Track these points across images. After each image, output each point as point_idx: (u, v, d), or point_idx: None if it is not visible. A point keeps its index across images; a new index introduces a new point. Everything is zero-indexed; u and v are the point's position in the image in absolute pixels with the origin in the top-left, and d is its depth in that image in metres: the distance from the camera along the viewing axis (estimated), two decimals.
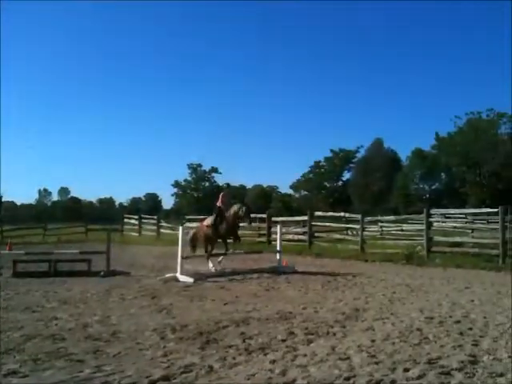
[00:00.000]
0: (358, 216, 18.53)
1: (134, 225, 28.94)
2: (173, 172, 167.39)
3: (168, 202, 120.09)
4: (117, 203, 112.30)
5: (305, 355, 4.80)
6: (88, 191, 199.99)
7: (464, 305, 7.72)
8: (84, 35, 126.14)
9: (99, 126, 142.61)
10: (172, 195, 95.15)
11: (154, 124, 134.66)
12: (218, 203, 12.46)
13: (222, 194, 12.93)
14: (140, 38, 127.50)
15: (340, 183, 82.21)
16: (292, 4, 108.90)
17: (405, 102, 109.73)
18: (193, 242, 12.82)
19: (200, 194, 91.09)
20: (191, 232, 13.03)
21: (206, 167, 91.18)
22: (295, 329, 5.91)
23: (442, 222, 19.11)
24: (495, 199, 43.27)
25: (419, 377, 4.18)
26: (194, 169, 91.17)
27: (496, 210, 14.42)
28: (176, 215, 56.16)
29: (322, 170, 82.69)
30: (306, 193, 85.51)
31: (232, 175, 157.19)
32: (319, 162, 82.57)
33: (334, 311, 7.10)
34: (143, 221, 28.69)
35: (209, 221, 12.48)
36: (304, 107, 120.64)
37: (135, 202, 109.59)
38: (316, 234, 19.45)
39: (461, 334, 5.76)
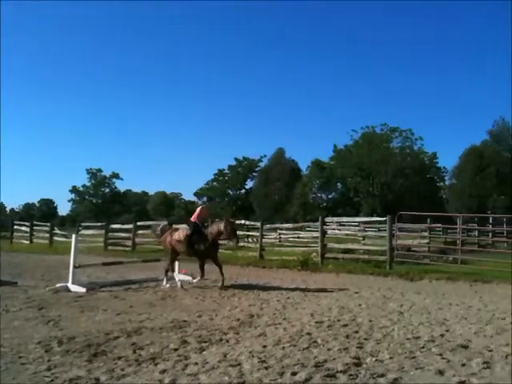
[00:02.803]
0: (258, 223, 18.90)
1: (25, 232, 27.34)
2: (70, 177, 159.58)
3: (64, 209, 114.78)
4: (8, 209, 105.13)
5: (196, 363, 4.79)
6: None
7: (352, 309, 8.11)
8: None
9: None
10: (69, 201, 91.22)
11: (51, 126, 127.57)
12: (193, 219, 11.16)
13: (199, 208, 11.66)
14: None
15: (243, 191, 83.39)
16: None
17: (306, 113, 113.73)
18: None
19: (99, 200, 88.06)
20: (161, 229, 11.93)
21: (107, 172, 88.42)
22: (189, 337, 5.88)
23: (338, 230, 20.02)
24: (386, 208, 46.14)
25: (306, 380, 4.32)
26: (94, 174, 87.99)
27: (385, 218, 15.36)
28: (73, 222, 53.98)
29: (226, 177, 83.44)
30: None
31: (134, 181, 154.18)
32: (223, 169, 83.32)
33: (229, 318, 7.16)
34: (35, 228, 27.20)
35: (181, 235, 11.02)
36: (210, 115, 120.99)
37: (28, 207, 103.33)
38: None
39: (347, 337, 6.04)
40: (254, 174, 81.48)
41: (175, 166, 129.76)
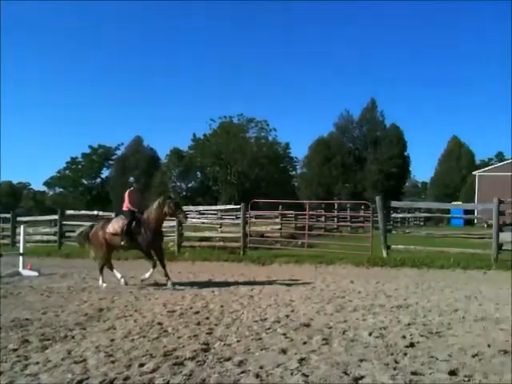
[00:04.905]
0: (113, 214, 18.28)
1: None
2: None
3: None
4: None
5: (37, 363, 4.55)
6: None
7: (205, 296, 8.29)
8: None
9: None
10: None
11: None
12: (126, 207, 9.72)
13: (127, 192, 9.89)
14: None
15: (98, 180, 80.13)
16: None
17: (164, 101, 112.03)
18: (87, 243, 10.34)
19: None
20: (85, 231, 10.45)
21: None
22: (30, 336, 5.54)
23: (195, 219, 20.18)
24: (243, 196, 47.57)
25: (153, 370, 4.31)
26: None
27: (239, 206, 15.84)
28: None
29: (80, 166, 79.40)
30: (61, 190, 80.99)
31: None
32: (76, 158, 79.14)
33: (77, 313, 6.88)
34: None
35: (116, 227, 9.59)
36: (61, 99, 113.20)
37: None
38: (67, 234, 18.50)
39: (198, 323, 6.15)
40: (110, 162, 78.61)
41: (23, 153, 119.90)
